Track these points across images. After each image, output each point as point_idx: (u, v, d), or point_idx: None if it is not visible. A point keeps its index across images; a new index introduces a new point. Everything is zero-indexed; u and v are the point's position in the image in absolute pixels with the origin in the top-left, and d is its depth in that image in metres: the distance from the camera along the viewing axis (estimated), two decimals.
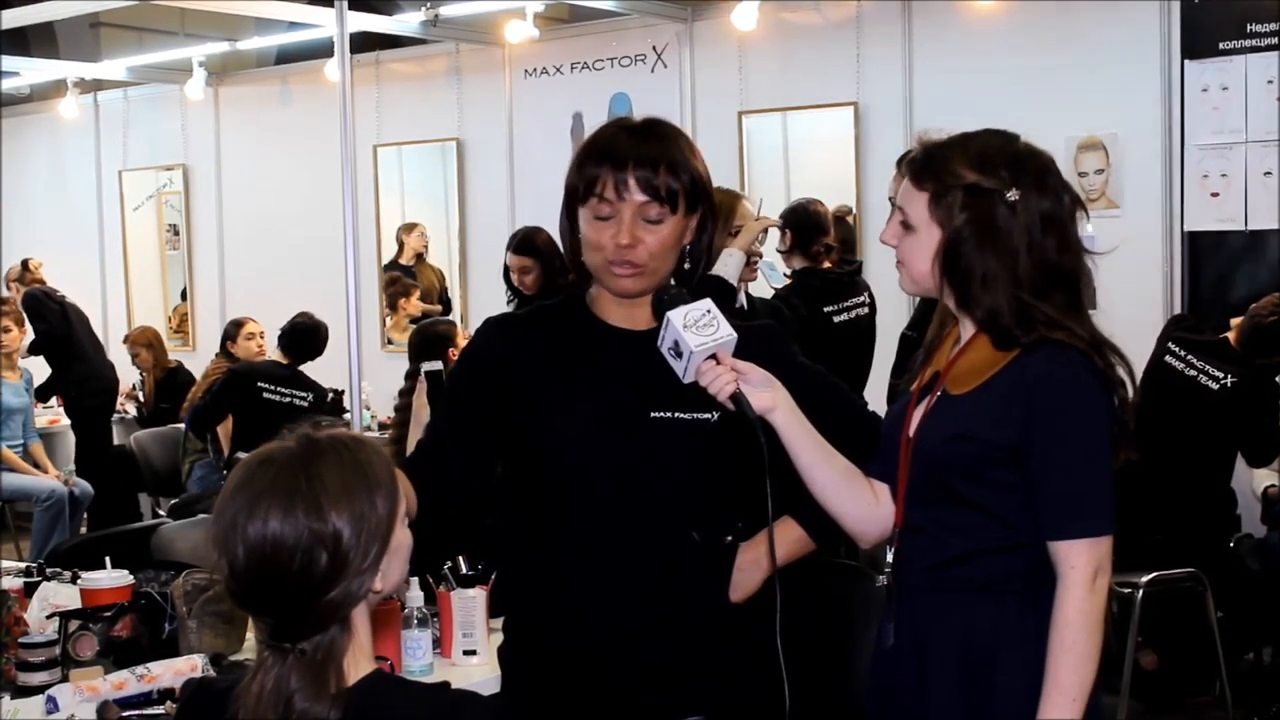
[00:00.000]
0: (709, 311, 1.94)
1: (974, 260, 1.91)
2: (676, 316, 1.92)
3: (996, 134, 1.98)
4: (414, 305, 7.75)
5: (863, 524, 2.04)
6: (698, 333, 1.92)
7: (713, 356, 1.92)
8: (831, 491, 2.02)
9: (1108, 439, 1.90)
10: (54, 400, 8.14)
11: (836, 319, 4.62)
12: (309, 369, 6.39)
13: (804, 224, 4.72)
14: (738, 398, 1.91)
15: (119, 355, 7.93)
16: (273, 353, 6.58)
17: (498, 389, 2.06)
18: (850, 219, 6.18)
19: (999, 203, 1.91)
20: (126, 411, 7.90)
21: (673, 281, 2.04)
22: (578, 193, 2.02)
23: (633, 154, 1.98)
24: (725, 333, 1.92)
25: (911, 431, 1.99)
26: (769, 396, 1.94)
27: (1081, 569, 1.85)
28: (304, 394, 6.18)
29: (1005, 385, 1.90)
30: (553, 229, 5.02)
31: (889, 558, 2.02)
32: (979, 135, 1.98)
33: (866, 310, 4.76)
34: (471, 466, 2.09)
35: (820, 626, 2.65)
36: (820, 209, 4.80)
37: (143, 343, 7.68)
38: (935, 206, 1.94)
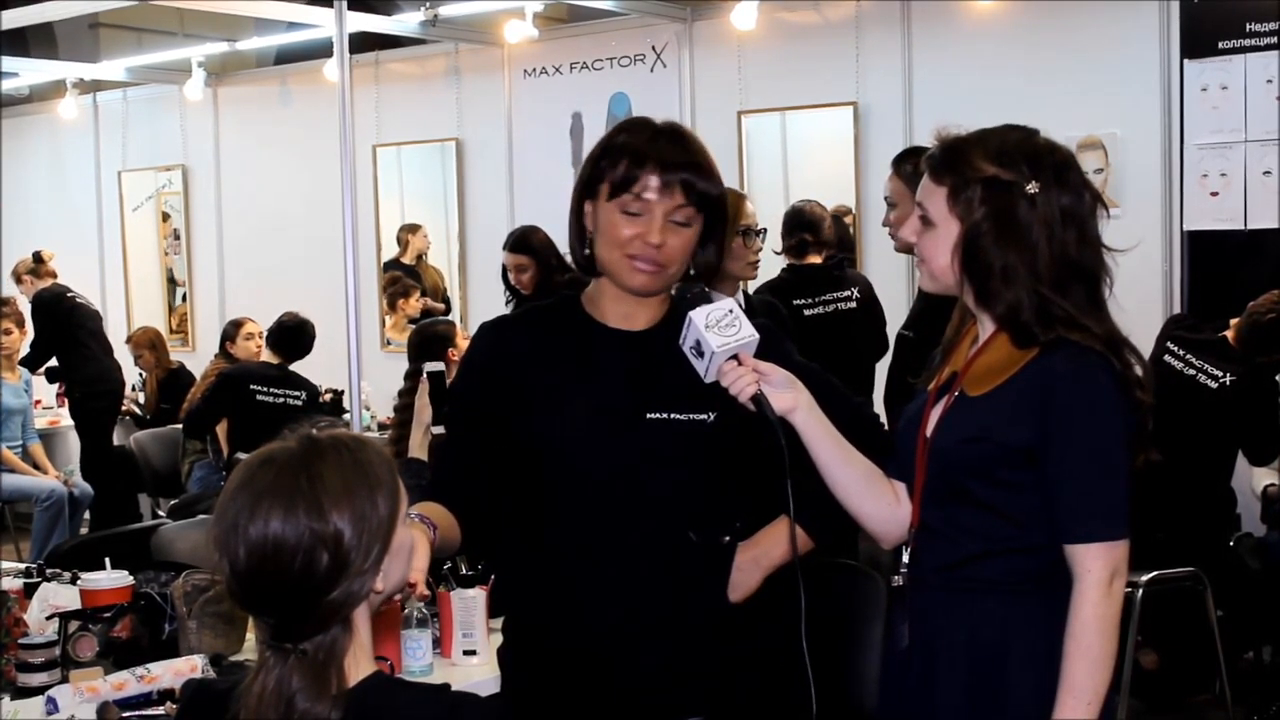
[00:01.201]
0: (731, 311, 1.93)
1: (993, 254, 1.90)
2: (699, 316, 1.93)
3: (1016, 128, 1.98)
4: (413, 305, 7.75)
5: (884, 524, 2.04)
6: (720, 333, 1.91)
7: (734, 357, 1.92)
8: (853, 491, 2.02)
9: (1125, 443, 1.89)
10: (55, 400, 8.14)
11: (808, 312, 4.65)
12: (306, 367, 6.39)
13: (786, 220, 4.85)
14: (759, 399, 1.91)
15: (120, 356, 7.91)
16: (263, 354, 6.57)
17: (500, 393, 2.06)
18: (849, 219, 6.19)
19: (1019, 196, 1.90)
20: (134, 411, 7.87)
21: (699, 282, 2.05)
22: (607, 188, 2.02)
23: (676, 158, 2.01)
24: (748, 333, 1.92)
25: (929, 432, 1.99)
26: (790, 397, 1.95)
27: (1097, 572, 1.85)
28: (297, 393, 6.18)
29: (1023, 387, 1.90)
30: (552, 228, 5.06)
31: (904, 558, 2.02)
32: (998, 130, 1.97)
33: (853, 305, 4.76)
34: (499, 481, 2.09)
35: (821, 626, 2.65)
36: (805, 206, 4.89)
37: (145, 343, 7.67)
38: (954, 200, 1.93)
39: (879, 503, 2.03)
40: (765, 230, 3.66)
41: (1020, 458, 1.89)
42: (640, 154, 2.01)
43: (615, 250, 2.02)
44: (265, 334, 6.49)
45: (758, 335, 1.93)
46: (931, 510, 1.98)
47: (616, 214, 2.02)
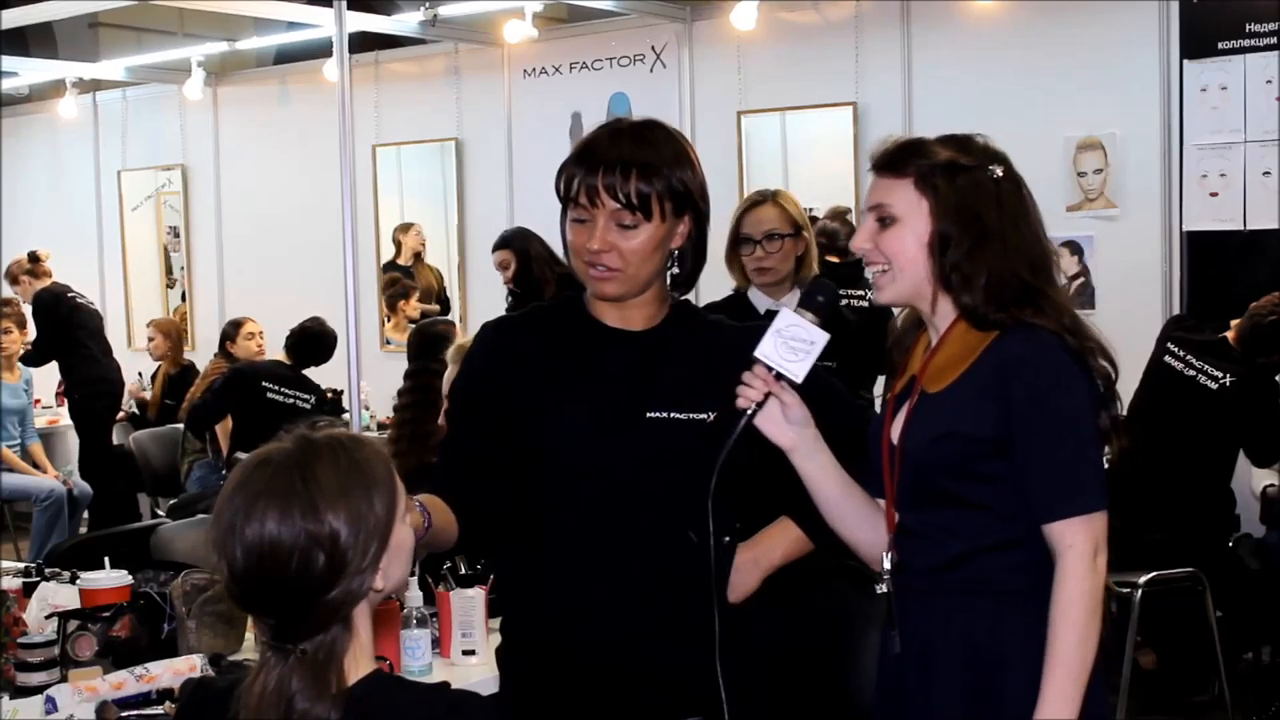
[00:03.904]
0: (812, 344, 1.91)
1: (965, 237, 1.91)
2: (785, 319, 1.92)
3: (952, 134, 2.01)
4: (413, 307, 7.75)
5: (878, 549, 2.04)
6: (779, 345, 1.91)
7: (773, 371, 1.92)
8: (850, 524, 2.04)
9: (1090, 416, 1.90)
10: (54, 400, 8.13)
11: None
12: (310, 371, 6.38)
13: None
14: (746, 414, 1.92)
15: (119, 355, 7.89)
16: (274, 353, 6.56)
17: (501, 392, 2.06)
18: (849, 217, 6.21)
19: (986, 178, 1.93)
20: (134, 408, 7.85)
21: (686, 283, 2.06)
22: (561, 195, 2.03)
23: (604, 158, 1.97)
24: (795, 370, 1.91)
25: (895, 437, 1.98)
26: (792, 435, 1.95)
27: (1080, 547, 1.85)
28: (307, 396, 6.18)
29: (981, 375, 1.91)
30: (551, 229, 5.06)
31: (886, 564, 2.02)
32: (939, 136, 2.00)
33: (866, 304, 4.81)
34: (500, 480, 2.07)
35: (821, 629, 2.65)
36: (825, 220, 5.32)
37: (165, 330, 7.65)
38: (922, 187, 1.94)
39: (876, 532, 2.03)
40: (780, 237, 3.57)
41: (990, 448, 1.89)
42: (576, 159, 2.00)
43: (575, 259, 2.03)
44: (286, 335, 6.45)
45: (799, 378, 1.92)
46: (909, 514, 1.98)
47: (569, 222, 2.03)
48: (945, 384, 1.94)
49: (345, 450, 1.52)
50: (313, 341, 6.28)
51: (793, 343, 1.91)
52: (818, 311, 1.95)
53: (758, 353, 1.91)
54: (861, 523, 2.03)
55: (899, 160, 1.97)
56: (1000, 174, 1.94)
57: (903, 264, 1.97)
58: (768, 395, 1.93)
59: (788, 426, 1.95)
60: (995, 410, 1.88)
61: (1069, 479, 1.86)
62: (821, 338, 1.92)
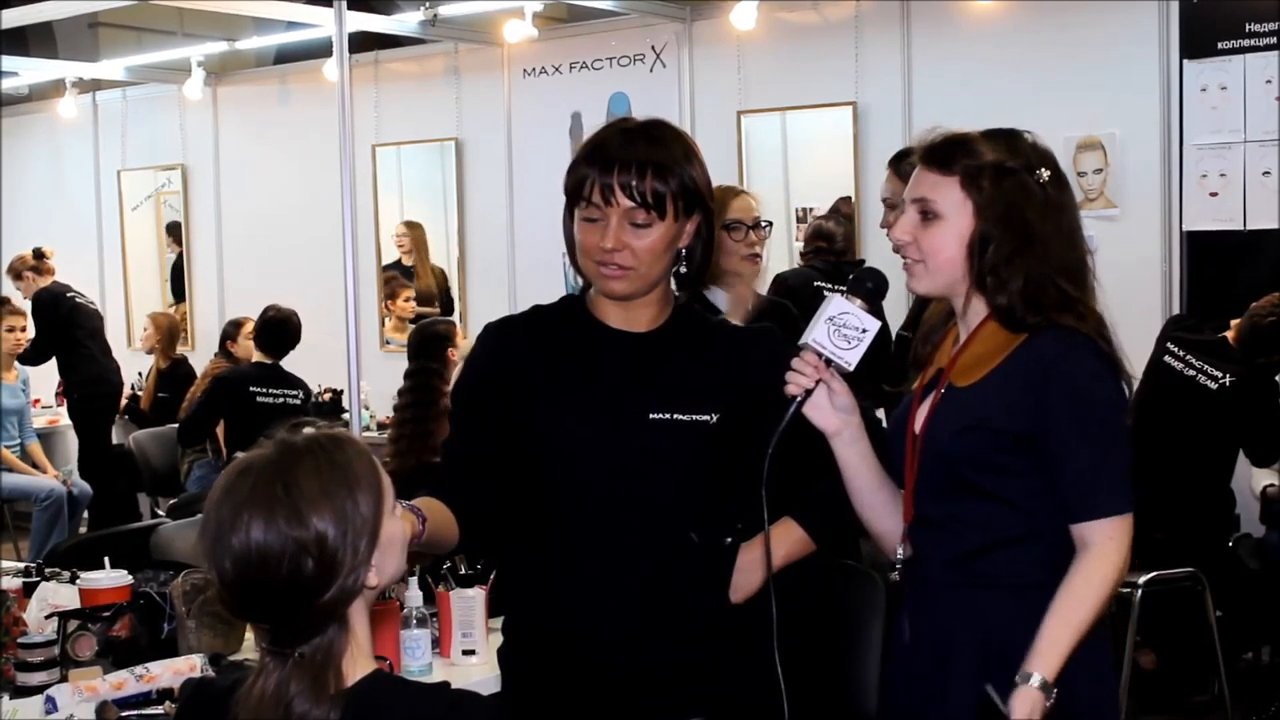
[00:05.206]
0: (864, 331, 1.93)
1: (1008, 239, 1.91)
2: (837, 306, 1.93)
3: (1002, 129, 2.00)
4: (401, 305, 7.73)
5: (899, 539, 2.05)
6: (832, 333, 1.92)
7: (822, 357, 1.93)
8: (883, 514, 2.05)
9: (1125, 418, 1.91)
10: (54, 400, 8.13)
11: (826, 292, 4.79)
12: (306, 367, 6.36)
13: (806, 235, 5.34)
14: (795, 400, 1.93)
15: (118, 355, 7.89)
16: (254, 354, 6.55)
17: (503, 393, 2.05)
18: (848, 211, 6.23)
19: (1033, 183, 1.93)
20: (130, 405, 7.84)
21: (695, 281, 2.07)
22: (571, 194, 2.03)
23: (619, 158, 1.98)
24: (845, 357, 1.93)
25: (918, 428, 1.99)
26: (838, 420, 1.97)
27: (1119, 540, 1.86)
28: (294, 392, 6.14)
29: (1014, 372, 1.91)
30: (551, 229, 5.06)
31: (900, 553, 2.02)
32: (988, 130, 2.00)
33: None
34: (502, 480, 2.07)
35: (821, 626, 2.65)
36: (823, 222, 5.31)
37: (159, 323, 7.64)
38: (969, 187, 1.94)
39: (901, 522, 2.04)
40: (767, 224, 3.55)
41: (1015, 442, 1.90)
42: (588, 158, 2.00)
43: (584, 258, 2.03)
44: (252, 334, 6.44)
45: (850, 366, 1.94)
46: (929, 504, 1.99)
47: (579, 221, 2.02)
48: (975, 379, 1.95)
49: (325, 452, 1.51)
50: (278, 328, 6.22)
51: (845, 330, 1.91)
52: (867, 298, 1.96)
53: (810, 339, 1.92)
54: (892, 514, 2.04)
55: (946, 156, 1.96)
56: (1046, 177, 1.94)
57: (940, 262, 1.97)
58: (818, 382, 1.94)
59: (834, 413, 1.96)
60: (1029, 406, 1.88)
61: (1108, 480, 1.88)
62: (874, 325, 1.93)
